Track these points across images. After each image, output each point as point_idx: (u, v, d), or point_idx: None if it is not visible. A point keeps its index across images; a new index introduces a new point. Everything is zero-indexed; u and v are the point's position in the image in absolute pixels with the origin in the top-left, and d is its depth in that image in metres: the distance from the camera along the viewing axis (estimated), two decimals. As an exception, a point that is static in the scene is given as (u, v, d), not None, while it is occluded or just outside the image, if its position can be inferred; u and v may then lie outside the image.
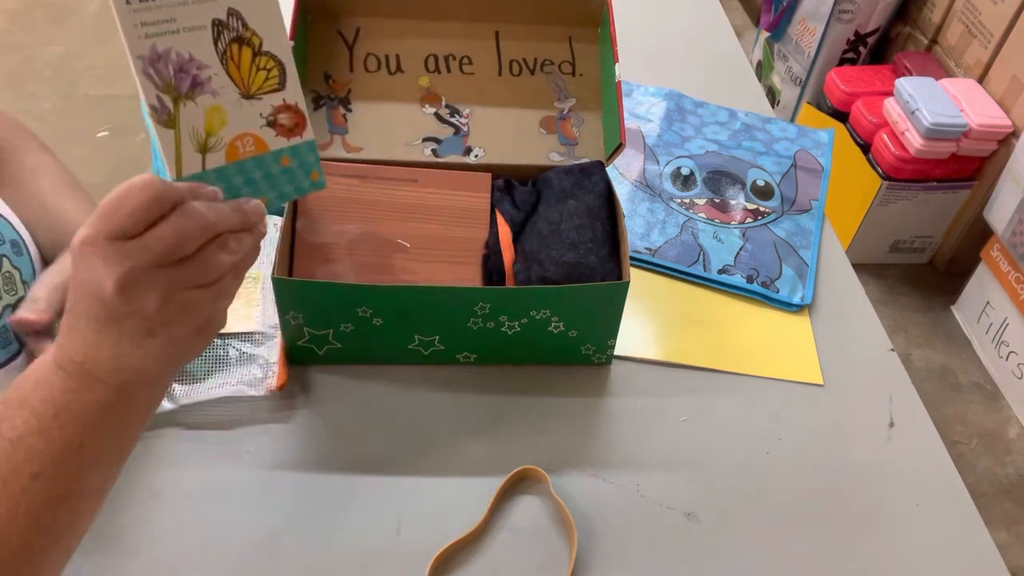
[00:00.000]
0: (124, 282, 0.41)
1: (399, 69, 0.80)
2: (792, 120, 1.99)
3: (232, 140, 0.47)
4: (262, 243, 0.82)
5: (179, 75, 0.45)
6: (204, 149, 0.46)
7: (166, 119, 0.45)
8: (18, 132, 0.72)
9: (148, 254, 0.41)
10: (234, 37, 0.46)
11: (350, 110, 0.78)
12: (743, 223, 0.91)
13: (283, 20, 0.47)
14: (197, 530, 0.62)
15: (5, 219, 0.62)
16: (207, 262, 0.43)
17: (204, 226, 0.42)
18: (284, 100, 0.48)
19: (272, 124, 0.48)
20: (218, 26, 0.45)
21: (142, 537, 0.61)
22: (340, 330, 0.70)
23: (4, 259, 0.60)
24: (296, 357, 0.72)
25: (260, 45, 0.46)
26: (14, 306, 0.60)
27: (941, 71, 1.92)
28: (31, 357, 0.60)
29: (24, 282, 0.62)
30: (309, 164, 0.51)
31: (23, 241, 0.63)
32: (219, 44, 0.45)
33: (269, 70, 0.47)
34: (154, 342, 0.43)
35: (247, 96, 0.47)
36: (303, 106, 0.48)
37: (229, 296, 0.46)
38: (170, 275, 0.42)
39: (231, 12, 0.45)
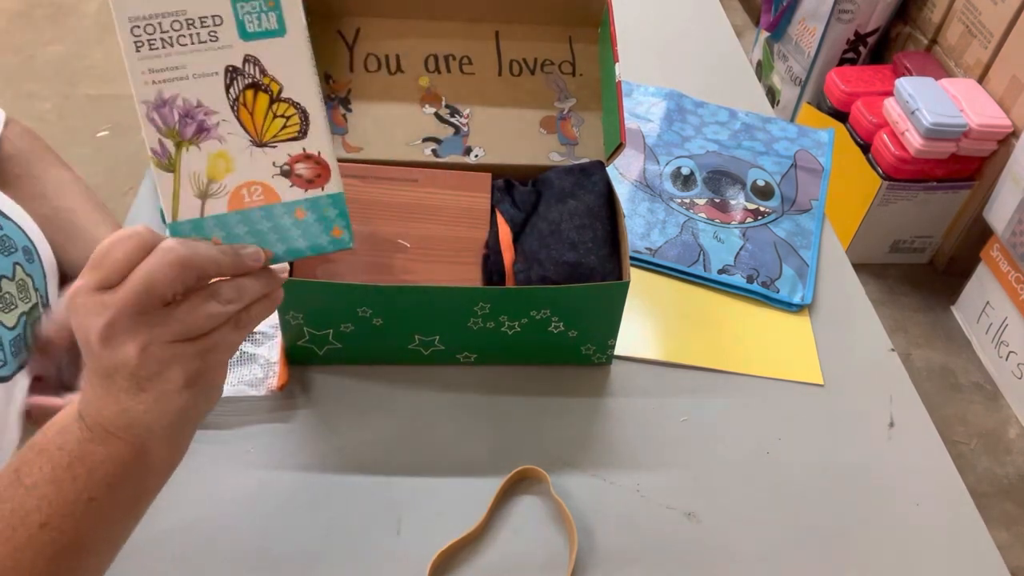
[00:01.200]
0: (105, 332, 0.40)
1: (399, 69, 0.80)
2: (792, 120, 1.99)
3: (237, 187, 0.45)
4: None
5: (184, 120, 0.44)
6: (204, 195, 0.44)
7: (166, 163, 0.44)
8: (36, 143, 0.72)
9: (124, 302, 0.39)
10: (249, 83, 0.44)
11: (350, 110, 0.78)
12: (743, 223, 0.91)
13: (312, 68, 0.45)
14: (197, 530, 0.62)
15: (17, 225, 0.62)
16: (192, 311, 0.41)
17: (175, 262, 0.40)
18: (304, 149, 0.45)
19: (287, 174, 0.45)
20: (231, 72, 0.44)
21: (142, 537, 0.61)
22: (340, 330, 0.70)
23: (17, 267, 0.60)
24: (296, 357, 0.72)
25: (279, 92, 0.45)
26: (28, 313, 0.60)
27: (941, 71, 1.92)
28: (32, 369, 0.59)
29: (36, 289, 0.62)
30: (330, 220, 0.47)
31: (34, 248, 0.63)
32: (231, 91, 0.44)
33: (288, 117, 0.45)
34: (147, 396, 0.42)
35: (259, 144, 0.45)
36: (327, 156, 0.45)
37: (223, 350, 0.43)
38: (150, 325, 0.40)
39: (248, 59, 0.44)
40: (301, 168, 0.45)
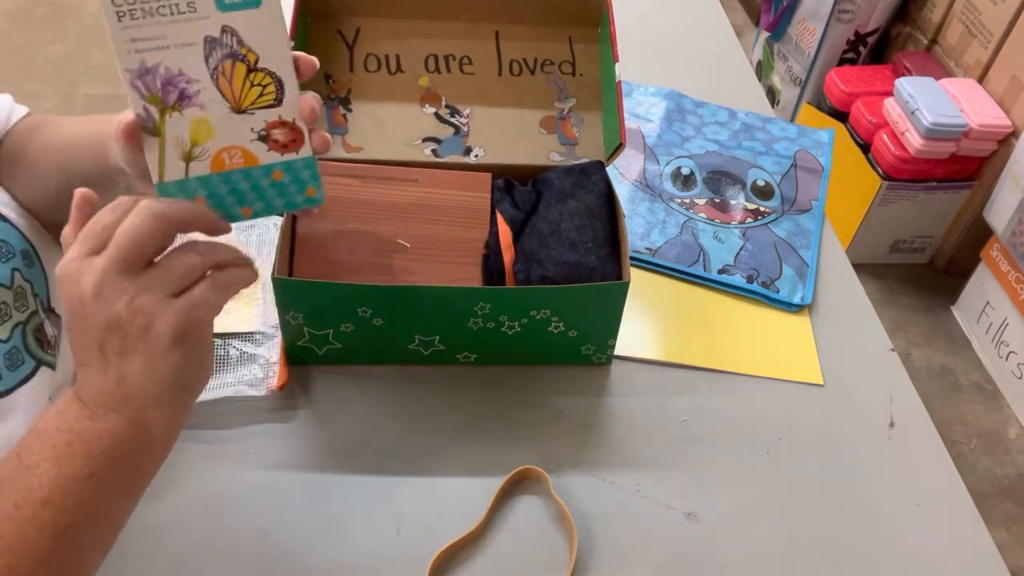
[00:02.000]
0: (96, 289, 0.42)
1: (399, 69, 0.80)
2: (792, 120, 1.99)
3: (219, 151, 0.47)
4: (263, 243, 0.81)
5: (166, 88, 0.46)
6: (188, 158, 0.47)
7: (151, 127, 0.46)
8: (40, 123, 0.69)
9: (110, 258, 0.42)
10: (227, 54, 0.46)
11: (350, 110, 0.78)
12: (743, 223, 0.91)
13: (286, 38, 0.47)
14: (197, 530, 0.62)
15: (15, 227, 0.61)
16: (172, 262, 0.44)
17: (151, 216, 0.43)
18: (280, 116, 0.48)
19: (265, 139, 0.48)
20: (210, 43, 0.46)
21: (142, 537, 0.61)
22: (340, 330, 0.70)
23: (16, 273, 0.59)
24: (296, 357, 0.72)
25: (256, 61, 0.47)
26: (26, 322, 0.59)
27: (941, 71, 1.92)
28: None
29: (35, 295, 0.61)
30: (304, 180, 0.50)
31: (34, 251, 0.62)
32: (210, 60, 0.46)
33: (265, 86, 0.47)
34: (139, 358, 0.44)
35: (238, 111, 0.47)
36: (301, 124, 0.48)
37: (205, 308, 0.45)
38: (134, 278, 0.43)
39: (225, 29, 0.45)
40: (277, 133, 0.48)
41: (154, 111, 0.46)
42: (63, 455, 0.43)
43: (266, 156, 0.49)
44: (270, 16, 0.46)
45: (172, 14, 0.45)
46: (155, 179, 0.47)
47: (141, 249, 0.43)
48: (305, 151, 0.50)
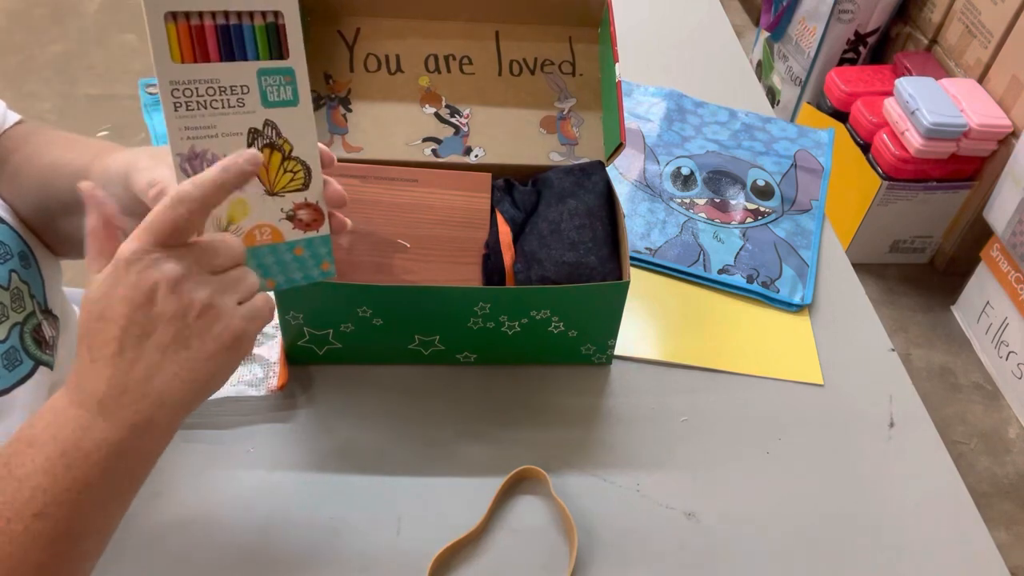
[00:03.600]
0: (177, 279, 0.44)
1: (399, 69, 0.80)
2: (792, 120, 1.99)
3: (251, 228, 0.53)
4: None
5: None
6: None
7: None
8: (29, 132, 0.70)
9: (196, 255, 0.45)
10: (267, 143, 0.51)
11: (350, 110, 0.78)
12: (743, 223, 0.91)
13: (315, 132, 0.53)
14: (197, 530, 0.62)
15: (12, 229, 0.61)
16: (244, 276, 0.47)
17: (192, 185, 0.45)
18: (306, 199, 0.53)
19: (291, 219, 0.53)
20: (253, 133, 0.51)
21: (142, 537, 0.61)
22: (340, 330, 0.70)
23: (13, 274, 0.59)
24: (296, 357, 0.72)
25: (290, 151, 0.52)
26: (23, 322, 0.59)
27: (941, 71, 1.92)
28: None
29: (32, 296, 0.61)
30: (320, 255, 0.56)
31: (31, 253, 0.62)
32: (252, 148, 0.51)
33: (295, 172, 0.53)
34: (187, 355, 0.44)
35: (271, 193, 0.52)
36: (323, 206, 0.54)
37: (261, 318, 0.48)
38: (216, 280, 0.45)
39: (268, 122, 0.51)
40: (302, 214, 0.54)
41: None
42: (57, 467, 0.42)
43: (291, 233, 0.54)
44: (305, 113, 0.52)
45: (223, 107, 0.50)
46: None
47: (218, 259, 0.46)
48: (324, 230, 0.55)
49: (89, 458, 0.43)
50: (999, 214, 1.71)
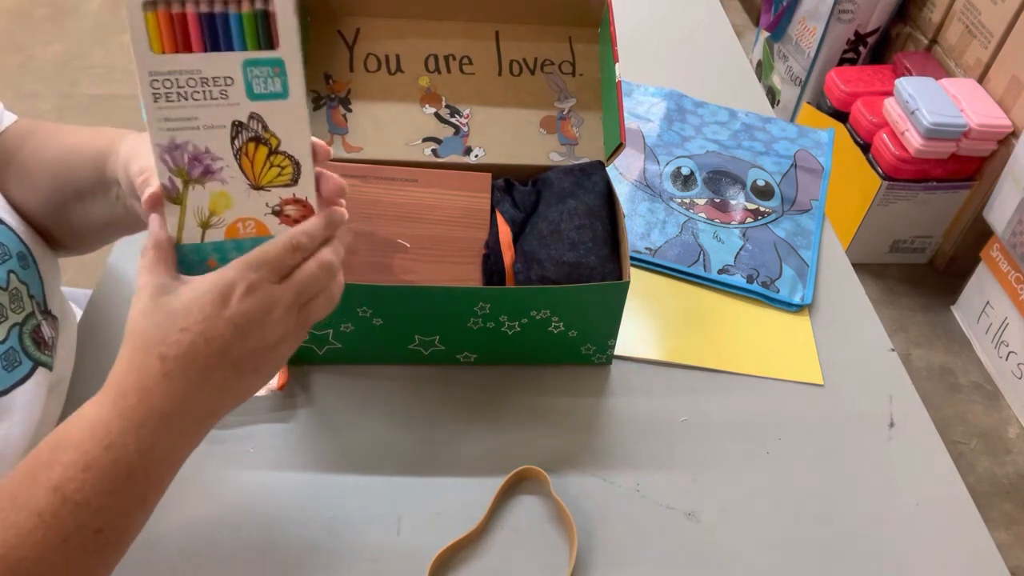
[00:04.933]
0: (278, 318, 0.46)
1: (399, 69, 0.80)
2: (792, 120, 1.99)
3: (234, 221, 0.51)
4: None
5: (192, 163, 0.49)
6: (205, 225, 0.50)
7: (174, 196, 0.50)
8: (30, 128, 0.70)
9: (294, 294, 0.47)
10: (251, 137, 0.49)
11: (350, 110, 0.78)
12: (743, 223, 0.91)
13: (307, 127, 0.50)
14: (197, 530, 0.62)
15: (11, 230, 0.61)
16: (317, 311, 0.49)
17: (327, 270, 0.49)
18: (294, 194, 0.51)
19: (278, 213, 0.51)
20: (237, 126, 0.49)
21: (142, 537, 0.61)
22: (340, 330, 0.70)
23: (12, 275, 0.59)
24: (296, 357, 0.72)
25: (277, 146, 0.50)
26: (22, 323, 0.59)
27: (941, 71, 1.92)
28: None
29: (31, 296, 0.61)
30: None
31: (30, 253, 0.62)
32: (236, 142, 0.49)
33: (283, 167, 0.51)
34: (252, 380, 0.47)
35: (256, 187, 0.51)
36: (313, 202, 0.52)
37: (311, 322, 0.50)
38: (299, 323, 0.48)
39: (253, 116, 0.49)
40: (290, 209, 0.51)
41: (179, 183, 0.49)
42: (122, 489, 0.44)
43: (277, 228, 0.52)
44: (295, 107, 0.49)
45: (205, 99, 0.48)
46: (174, 241, 0.51)
47: (311, 295, 0.48)
48: None
49: (151, 476, 0.45)
50: (999, 214, 1.71)
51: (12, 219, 0.62)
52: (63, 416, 0.66)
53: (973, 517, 0.68)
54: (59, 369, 0.64)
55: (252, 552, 0.61)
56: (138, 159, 0.52)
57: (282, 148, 0.50)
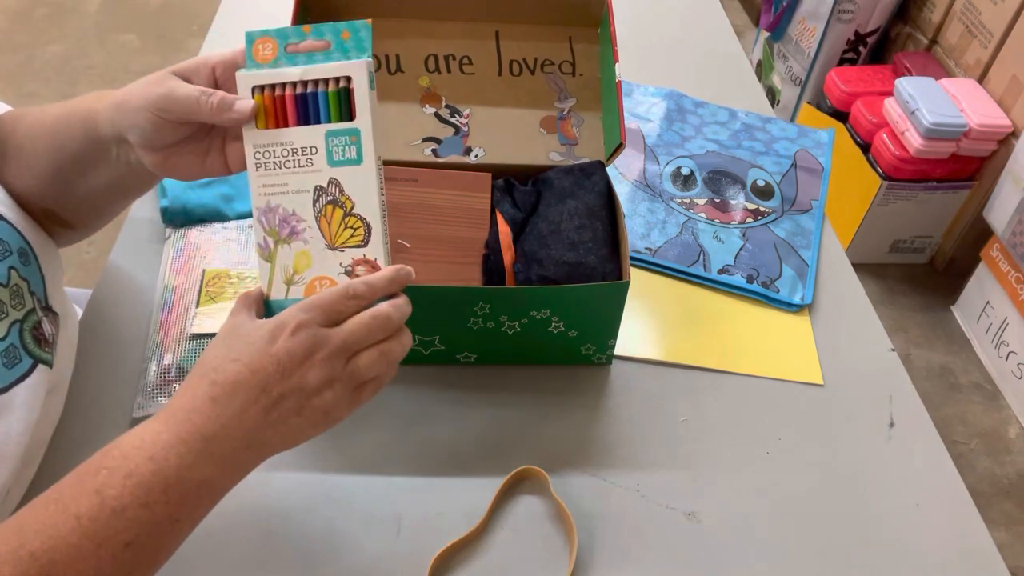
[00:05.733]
0: (322, 359, 0.48)
1: (399, 69, 0.80)
2: (792, 120, 1.99)
3: (312, 280, 0.56)
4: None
5: (282, 224, 0.55)
6: (289, 282, 0.56)
7: (267, 255, 0.56)
8: (20, 113, 0.69)
9: (343, 341, 0.49)
10: (330, 200, 0.55)
11: (350, 110, 0.78)
12: (743, 223, 0.91)
13: (378, 191, 0.55)
14: (197, 530, 0.61)
15: (12, 226, 0.60)
16: (369, 369, 0.50)
17: (381, 325, 0.51)
18: (364, 255, 0.56)
19: (349, 273, 0.55)
20: (318, 190, 0.55)
21: (142, 537, 0.61)
22: (340, 330, 0.70)
23: (12, 271, 0.59)
24: (296, 357, 0.72)
25: (351, 208, 0.55)
26: (23, 320, 0.59)
27: (941, 71, 1.92)
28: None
29: (32, 293, 0.61)
30: None
31: (31, 250, 0.62)
32: (317, 204, 0.55)
33: (355, 229, 0.55)
34: (296, 422, 0.48)
35: (332, 247, 0.55)
36: (382, 262, 0.56)
37: (359, 404, 0.52)
38: (345, 367, 0.49)
39: (332, 180, 0.55)
40: (360, 269, 0.56)
41: (271, 242, 0.55)
42: (156, 502, 0.45)
43: None
44: (368, 172, 0.55)
45: (295, 167, 0.55)
46: (265, 295, 0.56)
47: (361, 345, 0.50)
48: None
49: (186, 497, 0.46)
50: (999, 214, 1.71)
51: (13, 214, 0.61)
52: (64, 415, 0.67)
53: (973, 517, 0.68)
54: (59, 367, 0.63)
55: (251, 552, 0.61)
56: (181, 87, 0.54)
57: (356, 211, 0.55)
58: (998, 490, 1.60)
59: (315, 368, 0.48)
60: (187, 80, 0.56)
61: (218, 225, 0.83)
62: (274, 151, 0.55)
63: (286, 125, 0.55)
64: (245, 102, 0.54)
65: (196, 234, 0.82)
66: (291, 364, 0.48)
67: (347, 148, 0.55)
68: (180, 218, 0.83)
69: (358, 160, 0.55)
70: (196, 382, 0.48)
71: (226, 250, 0.81)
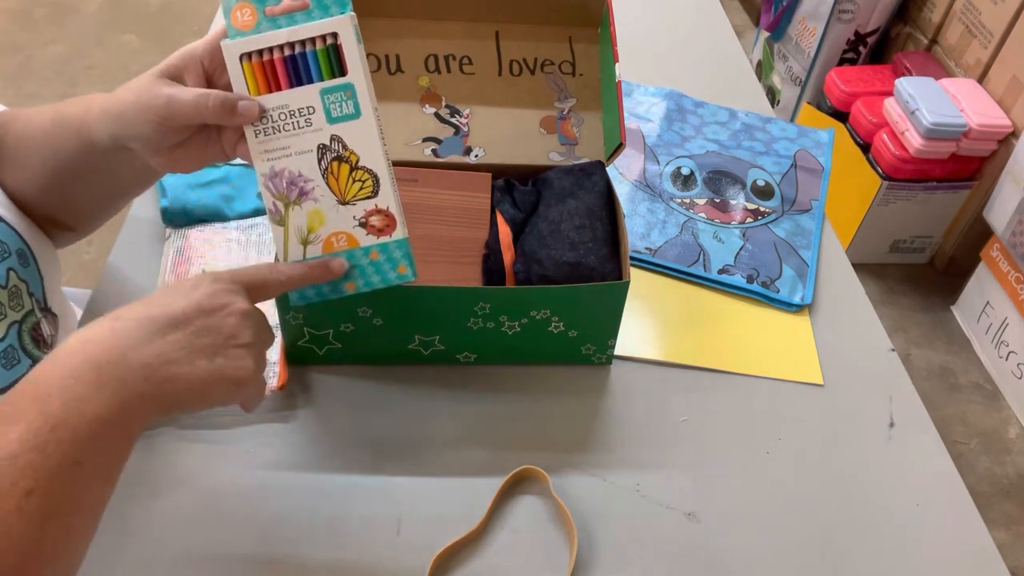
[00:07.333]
0: (239, 313, 0.50)
1: (399, 69, 0.80)
2: (792, 120, 1.99)
3: (328, 236, 0.57)
4: (263, 243, 0.82)
5: (290, 187, 0.56)
6: (306, 242, 0.57)
7: (278, 219, 0.57)
8: (13, 114, 0.69)
9: (257, 319, 0.52)
10: (335, 156, 0.56)
11: (350, 110, 0.78)
12: (743, 223, 0.91)
13: (380, 141, 0.56)
14: (197, 530, 0.62)
15: (11, 228, 0.60)
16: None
17: (287, 282, 0.55)
18: (376, 205, 0.57)
19: (364, 225, 0.57)
20: (322, 149, 0.56)
21: (142, 537, 0.61)
22: (340, 330, 0.70)
23: (11, 272, 0.59)
24: (296, 357, 0.72)
25: (357, 162, 0.56)
26: (21, 321, 0.59)
27: (941, 71, 1.92)
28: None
29: (31, 294, 0.61)
30: (396, 259, 0.59)
31: (30, 251, 0.62)
32: (322, 163, 0.56)
33: (363, 182, 0.57)
34: (204, 365, 0.48)
35: (343, 203, 0.57)
36: (394, 210, 0.57)
37: (256, 382, 0.52)
38: (258, 339, 0.52)
39: (334, 138, 0.56)
40: (374, 220, 0.57)
41: (281, 207, 0.57)
42: (47, 443, 0.42)
43: (365, 239, 0.58)
44: (368, 124, 0.56)
45: (294, 129, 0.55)
46: (281, 258, 0.59)
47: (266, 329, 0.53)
48: (397, 234, 0.59)
49: (79, 434, 0.43)
50: (999, 214, 1.71)
51: (11, 215, 0.61)
52: None
53: (973, 517, 0.68)
54: None
55: (251, 552, 0.61)
56: (180, 92, 0.54)
57: (361, 163, 0.56)
58: (998, 490, 1.60)
59: (233, 316, 0.50)
60: (178, 78, 0.55)
61: (218, 225, 0.83)
62: (271, 115, 0.55)
63: (279, 89, 0.55)
64: (248, 104, 0.55)
65: (196, 234, 0.82)
66: (212, 306, 0.49)
67: (344, 104, 0.55)
68: (180, 218, 0.83)
69: (356, 114, 0.56)
70: (99, 320, 0.46)
71: (226, 250, 0.81)
